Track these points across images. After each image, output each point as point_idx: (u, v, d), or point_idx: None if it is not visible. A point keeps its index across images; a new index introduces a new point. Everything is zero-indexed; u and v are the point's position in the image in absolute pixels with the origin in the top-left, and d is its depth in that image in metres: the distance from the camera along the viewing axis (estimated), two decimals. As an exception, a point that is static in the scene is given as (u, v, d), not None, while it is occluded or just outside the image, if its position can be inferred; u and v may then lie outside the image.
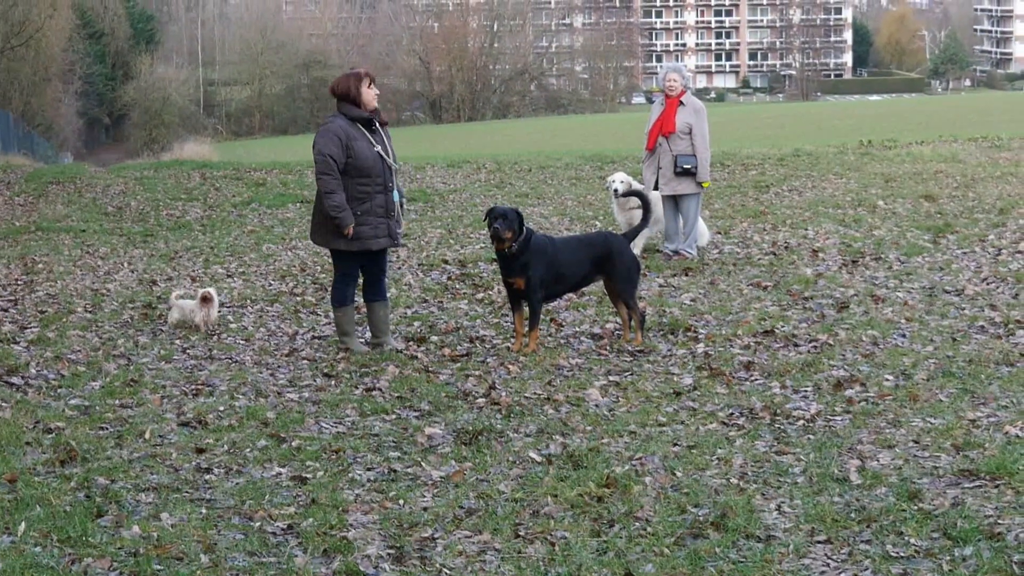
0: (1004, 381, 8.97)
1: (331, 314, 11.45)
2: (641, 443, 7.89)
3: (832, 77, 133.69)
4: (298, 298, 13.51)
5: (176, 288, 13.42)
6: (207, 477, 7.44)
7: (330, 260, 11.88)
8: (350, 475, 7.44)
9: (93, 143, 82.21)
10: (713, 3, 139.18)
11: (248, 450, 7.95)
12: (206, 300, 11.95)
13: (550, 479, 7.20)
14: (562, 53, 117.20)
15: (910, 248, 14.54)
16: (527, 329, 10.66)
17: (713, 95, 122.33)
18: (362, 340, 11.12)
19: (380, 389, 9.43)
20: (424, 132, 73.47)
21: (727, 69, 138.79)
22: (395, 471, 7.50)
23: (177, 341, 11.48)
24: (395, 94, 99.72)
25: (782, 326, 11.04)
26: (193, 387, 9.67)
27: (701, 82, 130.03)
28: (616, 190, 15.09)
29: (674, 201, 14.84)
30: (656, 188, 14.78)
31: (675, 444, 7.85)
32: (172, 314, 12.09)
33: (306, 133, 73.23)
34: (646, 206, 11.60)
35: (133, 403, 9.17)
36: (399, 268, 15.06)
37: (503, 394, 9.17)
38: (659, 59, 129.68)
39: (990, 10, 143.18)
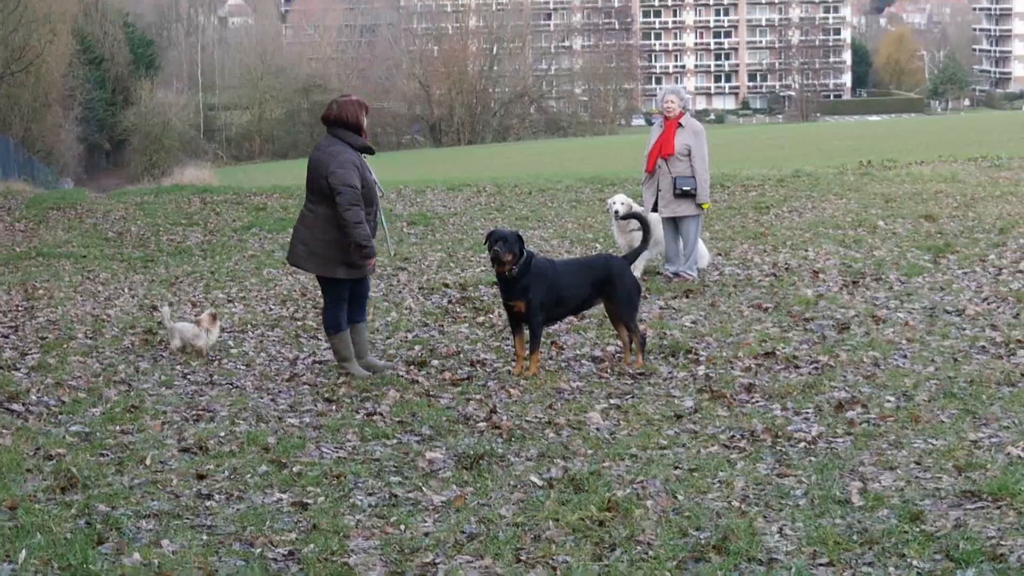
0: (1006, 401, 8.96)
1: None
2: (642, 466, 7.88)
3: (831, 98, 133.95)
4: (299, 323, 13.50)
5: (164, 306, 13.44)
6: (208, 503, 7.43)
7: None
8: (351, 500, 7.43)
9: (93, 169, 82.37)
10: (712, 25, 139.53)
11: (249, 476, 7.94)
12: (214, 318, 11.99)
13: (551, 503, 7.19)
14: (562, 75, 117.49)
15: (910, 268, 14.54)
16: (528, 352, 10.65)
17: (713, 117, 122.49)
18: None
19: (381, 414, 9.42)
20: (424, 155, 73.60)
21: (726, 91, 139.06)
22: (396, 496, 7.49)
23: (178, 367, 11.47)
24: (395, 118, 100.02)
25: (783, 348, 11.04)
26: (194, 413, 9.67)
27: (701, 104, 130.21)
28: (616, 212, 15.10)
29: (674, 223, 14.84)
30: (655, 210, 14.78)
31: (676, 467, 7.84)
32: (173, 341, 12.08)
33: (306, 157, 73.20)
34: (646, 228, 11.61)
35: (134, 429, 9.16)
36: (400, 292, 15.07)
37: (504, 418, 9.16)
38: (658, 81, 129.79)
39: (989, 30, 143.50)
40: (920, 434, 8.27)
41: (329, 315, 10.88)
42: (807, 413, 8.98)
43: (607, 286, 10.87)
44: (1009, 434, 8.16)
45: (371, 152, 10.83)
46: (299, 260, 10.80)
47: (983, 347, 10.69)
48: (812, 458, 7.90)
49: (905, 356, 10.50)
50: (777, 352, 10.86)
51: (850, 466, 7.67)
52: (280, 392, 10.35)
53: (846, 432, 8.43)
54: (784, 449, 8.14)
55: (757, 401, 9.40)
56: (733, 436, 8.49)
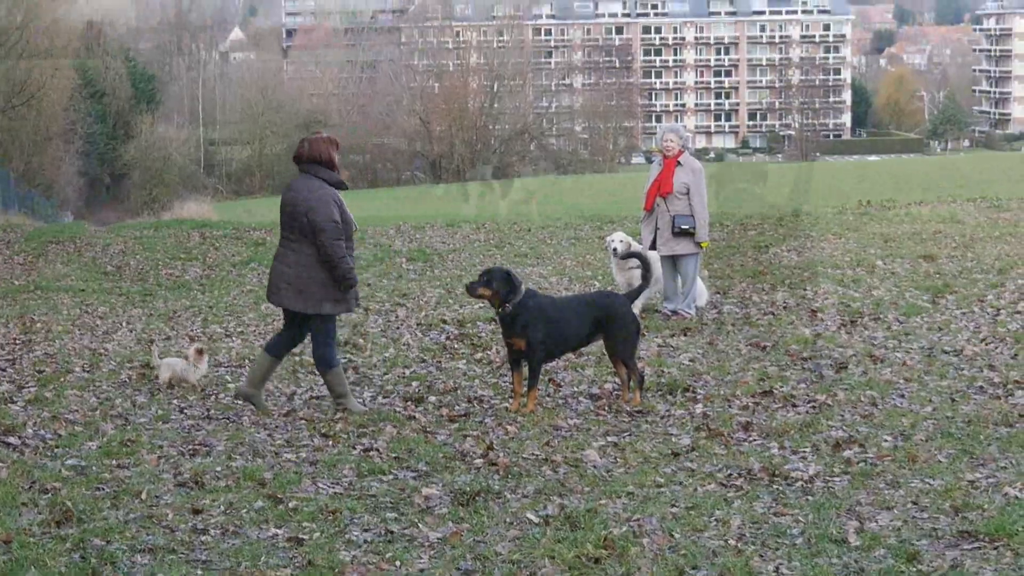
0: (1003, 442, 8.95)
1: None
2: (639, 504, 7.87)
3: (831, 137, 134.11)
4: (296, 358, 13.47)
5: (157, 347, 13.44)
6: (203, 538, 7.40)
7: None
8: (347, 536, 7.41)
9: (93, 202, 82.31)
10: (713, 64, 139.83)
11: (245, 511, 7.92)
12: (201, 353, 12.00)
13: (547, 540, 7.17)
14: (562, 113, 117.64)
15: (909, 308, 14.54)
16: (526, 389, 10.64)
17: (712, 155, 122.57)
18: (360, 401, 11.11)
19: (378, 450, 9.40)
20: (424, 192, 73.62)
21: (726, 129, 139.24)
22: (392, 532, 7.47)
23: (174, 401, 11.46)
24: (395, 154, 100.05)
25: (781, 386, 11.03)
26: (190, 447, 9.65)
27: (700, 142, 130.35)
28: (615, 249, 15.12)
29: (673, 261, 14.85)
30: (653, 247, 14.78)
31: (673, 505, 7.82)
32: (162, 374, 12.08)
33: (306, 192, 72.93)
34: (646, 267, 11.61)
35: (130, 463, 9.14)
36: (398, 328, 15.06)
37: (501, 455, 9.14)
38: (659, 119, 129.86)
39: (989, 71, 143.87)
40: (917, 474, 8.26)
41: (323, 352, 10.85)
42: (804, 452, 8.96)
43: (607, 323, 10.87)
44: (1006, 474, 8.15)
45: (344, 187, 10.90)
46: (286, 300, 10.76)
47: (981, 387, 10.69)
48: (809, 497, 7.89)
49: (903, 396, 10.50)
50: (775, 391, 10.85)
51: (847, 505, 7.66)
52: (277, 427, 10.34)
53: (843, 471, 8.42)
54: (781, 488, 8.13)
55: (754, 440, 9.38)
56: (730, 475, 8.48)
